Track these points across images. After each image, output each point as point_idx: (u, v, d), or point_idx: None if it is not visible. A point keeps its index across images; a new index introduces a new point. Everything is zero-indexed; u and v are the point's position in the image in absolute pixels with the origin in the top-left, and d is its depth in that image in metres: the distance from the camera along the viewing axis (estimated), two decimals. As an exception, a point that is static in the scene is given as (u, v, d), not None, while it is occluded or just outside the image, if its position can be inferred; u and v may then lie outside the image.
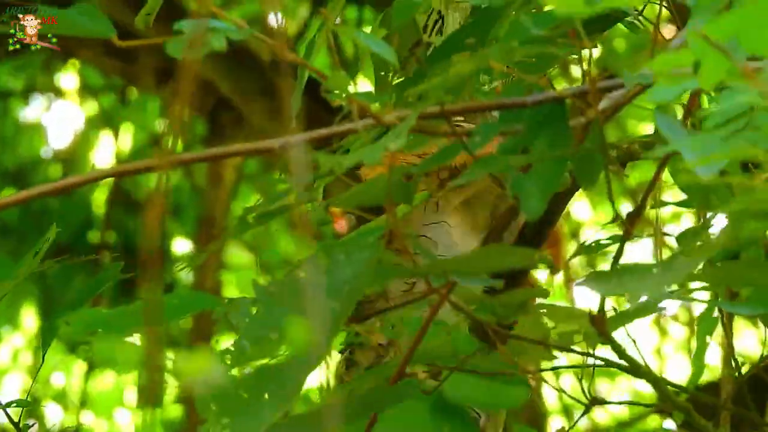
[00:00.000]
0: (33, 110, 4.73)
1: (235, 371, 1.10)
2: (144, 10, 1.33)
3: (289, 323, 1.09)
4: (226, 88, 3.66)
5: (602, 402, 1.37)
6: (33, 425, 1.82)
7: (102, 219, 4.53)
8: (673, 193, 1.50)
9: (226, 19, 1.13)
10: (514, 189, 1.12)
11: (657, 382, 1.28)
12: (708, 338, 1.59)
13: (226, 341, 1.13)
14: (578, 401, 1.40)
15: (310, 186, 1.32)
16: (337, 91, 1.18)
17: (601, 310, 1.18)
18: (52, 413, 4.59)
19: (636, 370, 1.22)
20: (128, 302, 1.34)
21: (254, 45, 3.60)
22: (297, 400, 1.09)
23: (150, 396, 0.99)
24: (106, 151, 4.72)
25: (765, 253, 1.37)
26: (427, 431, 1.27)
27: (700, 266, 1.11)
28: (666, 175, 1.39)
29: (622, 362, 1.22)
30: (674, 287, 1.14)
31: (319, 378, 1.11)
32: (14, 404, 1.73)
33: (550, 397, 4.08)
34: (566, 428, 1.61)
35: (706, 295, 1.41)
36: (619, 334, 1.22)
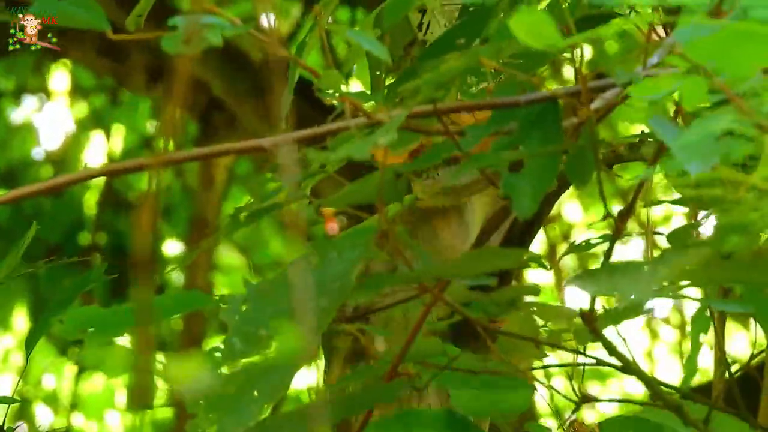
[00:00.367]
0: (24, 111, 4.73)
1: (224, 369, 1.10)
2: (135, 11, 1.32)
3: (278, 320, 1.09)
4: (219, 88, 3.65)
5: (593, 400, 1.37)
6: (18, 426, 1.81)
7: (93, 220, 4.53)
8: (664, 196, 1.50)
9: (221, 15, 1.13)
10: (506, 188, 1.12)
11: (648, 379, 1.28)
12: (702, 337, 1.59)
13: (216, 343, 1.14)
14: (569, 399, 1.40)
15: (300, 185, 1.32)
16: (329, 90, 1.18)
17: (592, 307, 1.18)
18: (43, 415, 4.59)
19: (627, 367, 1.22)
20: (120, 304, 1.33)
21: (247, 45, 3.59)
22: (284, 396, 1.10)
23: (140, 398, 0.99)
24: (98, 152, 4.71)
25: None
26: None
27: (691, 264, 1.11)
28: (658, 177, 1.39)
29: (614, 360, 1.22)
30: (665, 284, 1.13)
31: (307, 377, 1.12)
32: (-1, 401, 1.72)
33: (539, 398, 4.07)
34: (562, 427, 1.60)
35: (697, 294, 1.42)
36: (609, 335, 1.21)
